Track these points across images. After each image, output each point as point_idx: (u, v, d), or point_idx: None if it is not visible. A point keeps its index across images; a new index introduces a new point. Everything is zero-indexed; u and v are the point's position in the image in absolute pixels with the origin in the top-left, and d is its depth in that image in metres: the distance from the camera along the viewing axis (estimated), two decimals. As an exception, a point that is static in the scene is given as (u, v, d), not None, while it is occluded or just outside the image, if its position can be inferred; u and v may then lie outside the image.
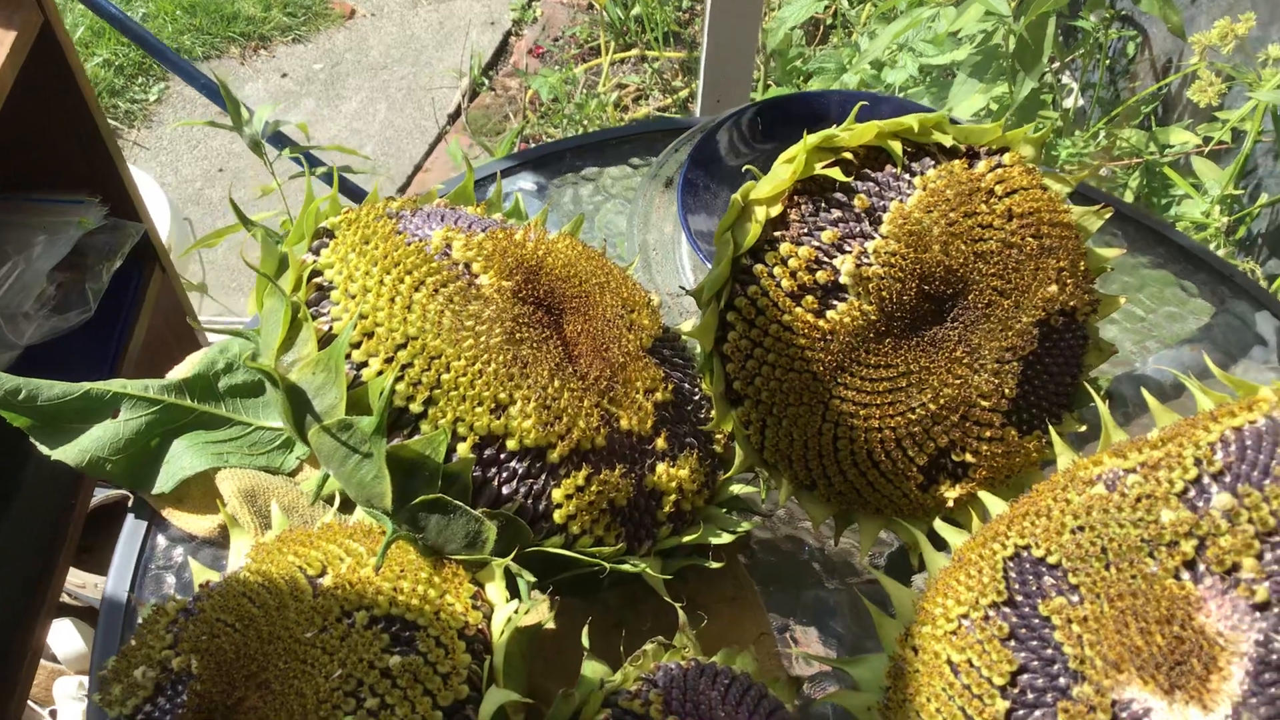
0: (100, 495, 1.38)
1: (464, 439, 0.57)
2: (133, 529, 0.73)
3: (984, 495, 0.66)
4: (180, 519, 0.72)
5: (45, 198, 1.17)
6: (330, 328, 0.58)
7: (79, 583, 1.48)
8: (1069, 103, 2.17)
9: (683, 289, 0.70)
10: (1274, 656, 0.47)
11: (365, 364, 0.57)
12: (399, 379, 0.56)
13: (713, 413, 0.68)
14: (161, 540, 0.73)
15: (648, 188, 0.90)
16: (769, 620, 0.70)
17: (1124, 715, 0.50)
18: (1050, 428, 0.67)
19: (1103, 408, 0.64)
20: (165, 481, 0.71)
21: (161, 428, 0.72)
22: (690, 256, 0.84)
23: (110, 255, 1.18)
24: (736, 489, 0.69)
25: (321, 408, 0.56)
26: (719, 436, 0.70)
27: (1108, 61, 2.18)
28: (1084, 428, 0.71)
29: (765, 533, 0.77)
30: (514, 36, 2.75)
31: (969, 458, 0.68)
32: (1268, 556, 0.50)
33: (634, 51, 2.54)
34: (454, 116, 2.56)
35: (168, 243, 1.71)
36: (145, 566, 0.72)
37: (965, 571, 0.60)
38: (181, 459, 0.71)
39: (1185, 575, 0.52)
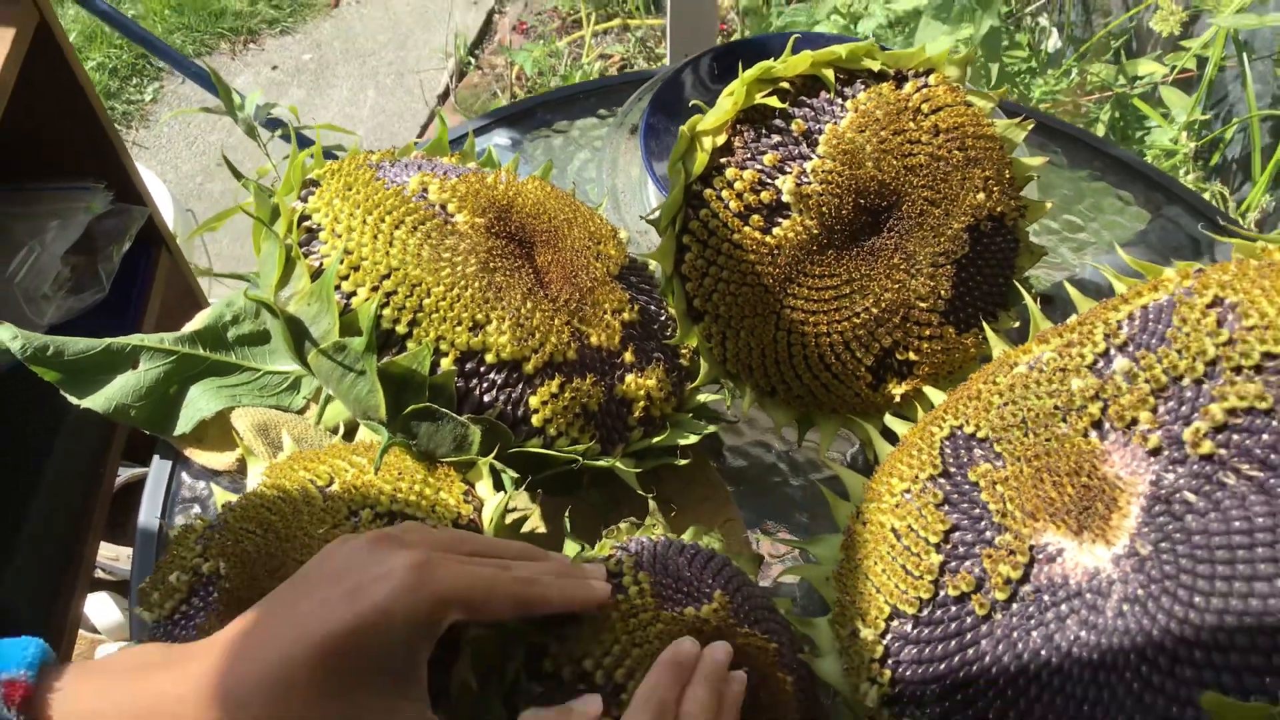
0: (125, 474, 1.46)
1: (446, 354, 0.63)
2: (159, 468, 0.80)
3: (928, 390, 0.73)
4: (201, 457, 0.79)
5: (54, 186, 1.24)
6: (320, 264, 0.65)
7: (112, 555, 1.56)
8: (1049, 44, 2.21)
9: (642, 218, 0.76)
10: (1163, 492, 0.53)
11: (354, 293, 0.64)
12: (384, 304, 0.63)
13: (677, 330, 0.74)
14: (186, 478, 0.80)
15: (614, 135, 0.96)
16: (738, 510, 0.77)
17: (1040, 557, 0.56)
18: (985, 325, 0.74)
19: (1031, 304, 0.71)
20: (185, 423, 0.78)
21: (179, 376, 0.79)
22: (656, 196, 0.90)
23: (119, 238, 1.25)
24: (703, 398, 0.76)
25: (317, 333, 0.63)
26: (684, 351, 0.76)
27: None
28: (1018, 324, 0.77)
29: (735, 439, 0.84)
30: (497, 14, 2.80)
31: (912, 356, 0.74)
32: (1161, 410, 0.56)
33: (616, 21, 2.59)
34: (443, 97, 2.61)
35: (172, 231, 1.77)
36: (173, 501, 0.79)
37: (908, 453, 0.66)
38: (198, 402, 0.78)
39: (1093, 434, 0.58)
